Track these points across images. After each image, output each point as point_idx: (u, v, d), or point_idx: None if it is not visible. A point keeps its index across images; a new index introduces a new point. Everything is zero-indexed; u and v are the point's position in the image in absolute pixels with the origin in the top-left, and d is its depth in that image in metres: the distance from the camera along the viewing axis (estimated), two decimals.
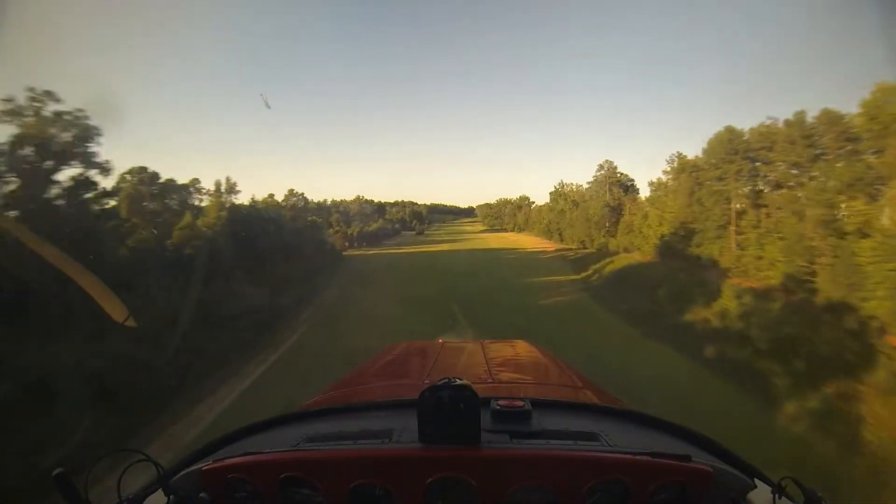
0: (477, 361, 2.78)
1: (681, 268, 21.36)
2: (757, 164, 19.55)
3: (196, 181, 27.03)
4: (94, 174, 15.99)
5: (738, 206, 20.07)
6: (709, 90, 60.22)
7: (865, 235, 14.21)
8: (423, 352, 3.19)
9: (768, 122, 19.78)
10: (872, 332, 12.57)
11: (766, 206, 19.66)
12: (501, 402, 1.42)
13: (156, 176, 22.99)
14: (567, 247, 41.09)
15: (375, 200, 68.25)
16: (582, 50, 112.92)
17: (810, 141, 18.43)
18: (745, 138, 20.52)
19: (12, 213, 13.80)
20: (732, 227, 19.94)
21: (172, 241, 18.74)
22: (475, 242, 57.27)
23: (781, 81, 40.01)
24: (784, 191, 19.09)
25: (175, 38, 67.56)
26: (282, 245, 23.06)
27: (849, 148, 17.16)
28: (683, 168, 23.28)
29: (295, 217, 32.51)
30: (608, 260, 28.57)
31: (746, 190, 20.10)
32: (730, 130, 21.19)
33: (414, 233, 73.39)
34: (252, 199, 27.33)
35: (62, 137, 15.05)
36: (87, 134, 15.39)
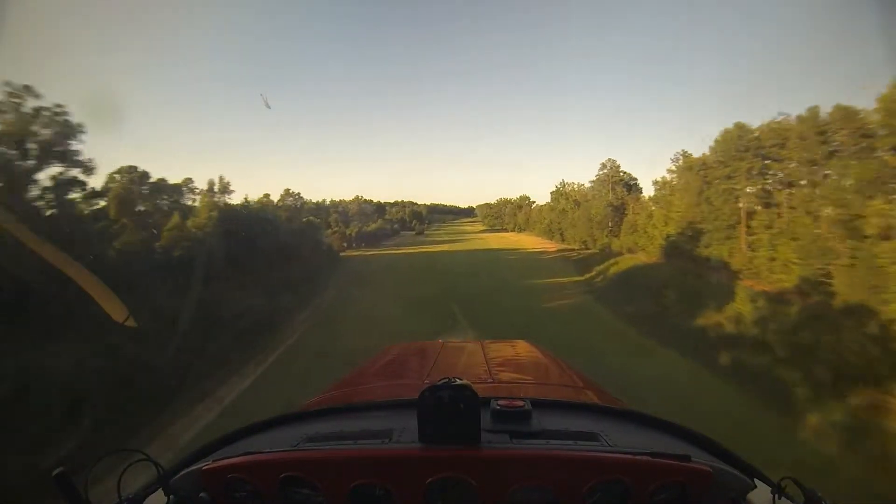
0: (477, 361, 2.76)
1: (688, 269, 20.63)
2: (768, 161, 18.80)
3: (189, 181, 26.25)
4: (76, 173, 15.30)
5: (748, 205, 19.32)
6: (709, 90, 59.92)
7: (887, 237, 13.52)
8: (423, 352, 3.16)
9: (780, 118, 19.09)
10: None
11: (777, 205, 18.97)
12: (501, 402, 1.41)
13: (146, 175, 22.26)
14: (569, 247, 40.53)
15: (375, 200, 67.94)
16: (582, 50, 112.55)
17: (824, 137, 17.75)
18: (755, 135, 19.82)
19: None
20: (743, 228, 19.20)
21: (161, 244, 18.04)
22: (475, 243, 56.74)
23: (781, 81, 39.71)
24: (796, 189, 18.40)
25: (174, 38, 67.07)
26: (273, 247, 22.16)
27: (863, 145, 16.53)
28: (691, 166, 22.53)
29: (291, 217, 31.69)
30: (612, 261, 27.87)
31: (757, 188, 19.36)
32: (739, 127, 20.48)
33: (413, 233, 73.26)
34: (245, 198, 26.39)
35: (42, 134, 14.33)
36: (69, 131, 14.67)
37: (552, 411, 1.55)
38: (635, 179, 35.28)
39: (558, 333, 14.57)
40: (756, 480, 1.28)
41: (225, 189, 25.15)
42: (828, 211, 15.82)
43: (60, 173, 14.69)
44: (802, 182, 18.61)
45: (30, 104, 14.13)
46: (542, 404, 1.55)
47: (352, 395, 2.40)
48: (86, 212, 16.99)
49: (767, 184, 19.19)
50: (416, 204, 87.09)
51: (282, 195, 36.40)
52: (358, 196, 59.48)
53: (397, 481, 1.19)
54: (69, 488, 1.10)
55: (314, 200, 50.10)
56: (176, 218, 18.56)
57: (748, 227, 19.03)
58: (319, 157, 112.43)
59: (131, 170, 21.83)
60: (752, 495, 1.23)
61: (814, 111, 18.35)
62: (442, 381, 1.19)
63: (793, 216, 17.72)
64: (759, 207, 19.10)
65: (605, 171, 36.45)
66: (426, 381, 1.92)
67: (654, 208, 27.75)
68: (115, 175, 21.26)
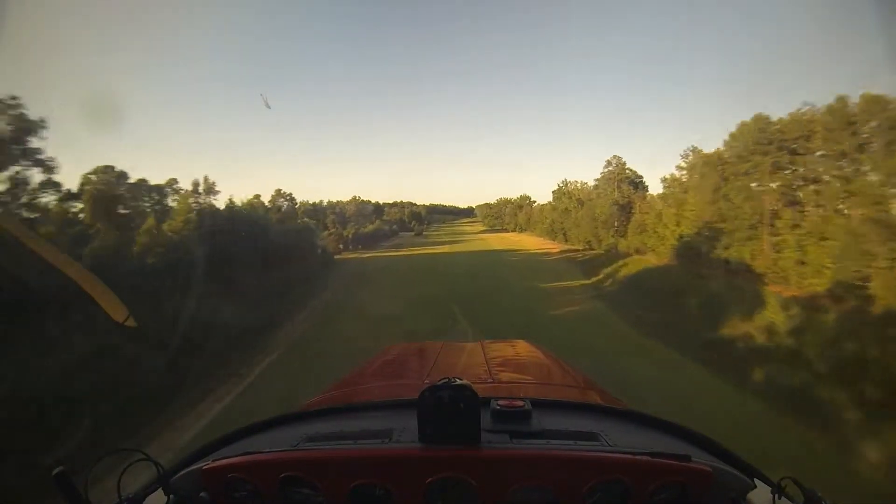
0: (477, 361, 2.75)
1: (706, 273, 19.20)
2: (795, 155, 17.39)
3: (174, 181, 24.73)
4: (34, 173, 13.88)
5: (771, 203, 17.90)
6: (709, 90, 58.93)
7: None
8: (423, 352, 3.17)
9: (805, 109, 17.70)
10: None
11: (802, 203, 17.58)
12: (501, 402, 1.41)
13: (124, 175, 20.83)
14: (572, 247, 39.23)
15: (373, 201, 66.75)
16: (582, 50, 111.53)
17: (854, 129, 16.39)
18: (777, 127, 18.43)
19: None
20: (766, 227, 17.78)
21: (136, 249, 16.59)
22: (476, 244, 55.36)
23: (781, 81, 38.75)
24: (823, 186, 17.00)
25: (173, 38, 66.03)
26: (254, 252, 20.53)
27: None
28: (707, 161, 21.09)
29: (282, 219, 30.16)
30: (621, 262, 26.48)
31: (780, 185, 17.95)
32: (759, 119, 19.07)
33: (412, 234, 72.19)
34: (230, 199, 24.70)
35: None
36: (26, 126, 13.23)
37: (552, 411, 1.54)
38: (641, 177, 34.00)
39: (569, 346, 13.11)
40: (756, 480, 1.26)
41: (210, 190, 23.67)
42: (865, 209, 14.45)
43: (17, 173, 13.25)
44: (827, 177, 17.26)
45: None
46: (542, 404, 1.55)
47: (352, 395, 2.40)
48: (51, 215, 15.60)
49: (792, 179, 17.78)
50: (414, 204, 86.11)
51: (272, 196, 34.95)
52: (356, 196, 58.27)
53: (397, 481, 1.19)
54: (69, 488, 1.09)
55: (311, 201, 48.82)
56: (151, 221, 17.09)
57: (772, 226, 17.61)
58: (318, 157, 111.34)
59: (107, 169, 20.36)
60: (752, 495, 1.21)
61: (843, 100, 17.00)
62: (442, 381, 1.19)
63: (821, 214, 16.34)
64: (783, 205, 17.69)
65: (611, 168, 35.13)
66: (426, 381, 1.91)
67: (662, 207, 26.38)
68: (90, 175, 19.84)
